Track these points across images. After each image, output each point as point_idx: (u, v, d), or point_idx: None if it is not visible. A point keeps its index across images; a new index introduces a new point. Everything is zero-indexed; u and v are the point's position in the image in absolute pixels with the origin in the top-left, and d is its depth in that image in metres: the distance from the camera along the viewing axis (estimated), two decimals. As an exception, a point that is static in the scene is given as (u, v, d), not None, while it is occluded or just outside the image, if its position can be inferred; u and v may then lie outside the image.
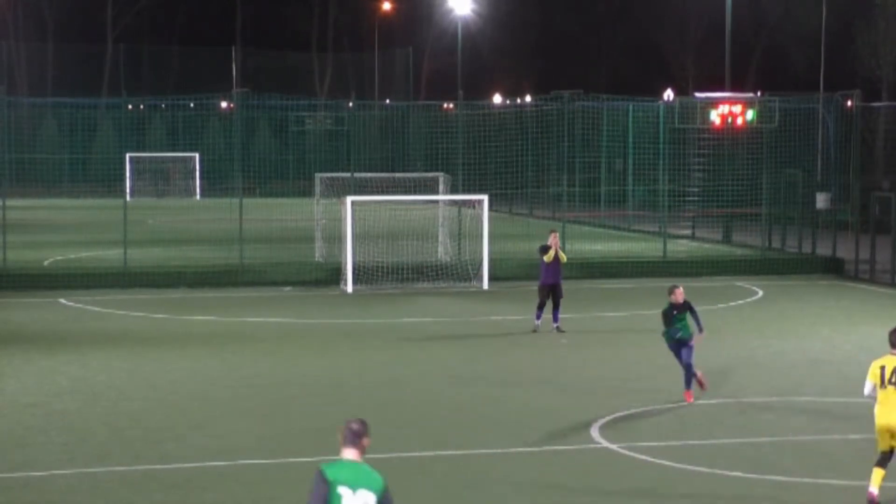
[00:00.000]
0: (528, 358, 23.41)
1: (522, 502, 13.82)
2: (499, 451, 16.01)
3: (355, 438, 8.71)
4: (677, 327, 17.08)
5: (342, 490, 8.29)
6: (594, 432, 16.92)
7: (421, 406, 18.74)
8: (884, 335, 25.03)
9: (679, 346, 17.11)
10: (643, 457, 14.89)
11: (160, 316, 27.19)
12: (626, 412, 17.98)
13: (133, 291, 30.09)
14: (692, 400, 17.02)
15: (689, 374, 17.08)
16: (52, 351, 22.18)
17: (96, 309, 27.38)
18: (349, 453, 8.58)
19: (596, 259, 36.48)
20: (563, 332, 25.17)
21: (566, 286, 25.53)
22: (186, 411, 18.02)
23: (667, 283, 33.64)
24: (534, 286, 28.93)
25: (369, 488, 8.48)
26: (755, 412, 17.66)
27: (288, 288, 31.34)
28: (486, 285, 32.16)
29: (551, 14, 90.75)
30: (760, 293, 32.33)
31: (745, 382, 20.06)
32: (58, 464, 14.33)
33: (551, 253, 25.07)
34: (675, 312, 17.16)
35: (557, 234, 25.84)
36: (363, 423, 8.91)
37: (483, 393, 19.70)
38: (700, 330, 17.25)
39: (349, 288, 30.87)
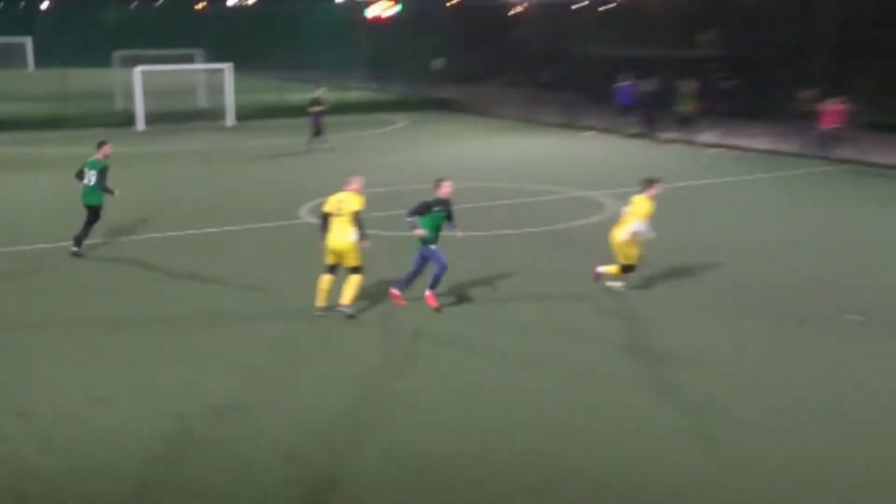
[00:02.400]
0: (266, 167, 27.99)
1: (247, 254, 17.51)
2: (237, 227, 19.69)
3: (99, 148, 16.16)
4: (432, 227, 13.40)
5: (85, 168, 16.06)
6: (303, 212, 20.73)
7: (185, 201, 22.25)
8: (474, 145, 31.36)
9: (427, 247, 13.50)
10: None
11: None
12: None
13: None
14: (437, 305, 13.58)
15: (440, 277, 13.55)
16: None
17: None
18: (99, 154, 15.95)
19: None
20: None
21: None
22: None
23: (345, 119, 37.99)
24: (268, 124, 35.57)
25: (93, 168, 16.04)
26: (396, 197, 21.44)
27: (100, 129, 34.54)
28: (231, 122, 38.37)
29: None
30: (403, 123, 39.40)
31: (385, 179, 23.68)
32: None
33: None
34: (436, 209, 13.37)
35: None
36: (104, 141, 16.19)
37: (231, 192, 23.51)
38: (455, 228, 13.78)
39: (140, 127, 36.36)
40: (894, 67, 33.32)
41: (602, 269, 14.64)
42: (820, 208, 22.40)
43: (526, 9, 53.49)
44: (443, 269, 13.47)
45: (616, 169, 27.07)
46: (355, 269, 13.17)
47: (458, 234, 13.76)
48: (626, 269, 14.58)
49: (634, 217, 14.15)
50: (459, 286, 14.77)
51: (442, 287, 14.13)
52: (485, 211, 20.80)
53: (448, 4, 51.68)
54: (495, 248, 17.57)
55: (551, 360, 12.01)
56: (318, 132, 30.02)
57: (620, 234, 14.28)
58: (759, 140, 31.93)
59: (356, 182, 13.24)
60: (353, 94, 47.04)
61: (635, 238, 14.26)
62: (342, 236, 12.97)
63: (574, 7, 44.44)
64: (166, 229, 19.37)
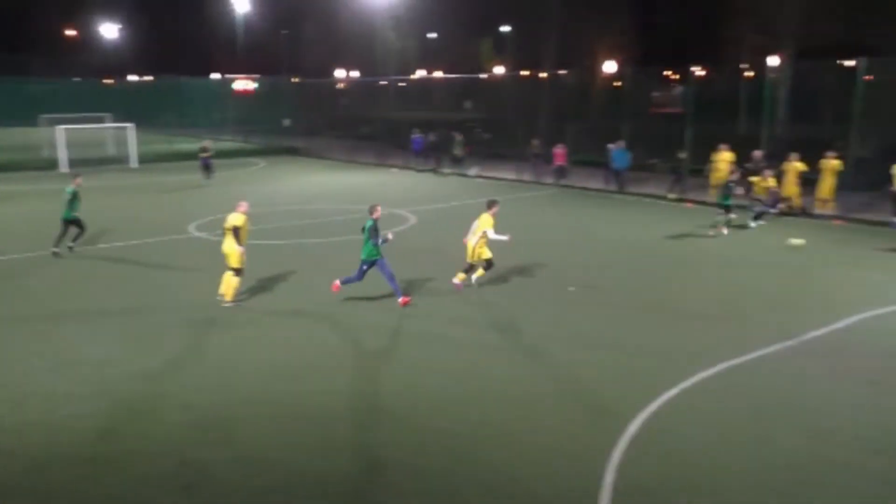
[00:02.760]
0: (162, 196, 26.16)
1: (153, 260, 16.13)
2: (144, 240, 18.10)
3: (73, 179, 15.09)
4: (378, 241, 12.01)
5: (64, 194, 15.16)
6: (191, 228, 19.66)
7: (102, 223, 19.79)
8: (315, 179, 29.18)
9: (379, 259, 12.17)
10: (216, 238, 15.72)
11: None
12: (214, 217, 20.30)
13: None
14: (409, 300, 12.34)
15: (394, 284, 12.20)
16: None
17: None
18: (73, 183, 14.85)
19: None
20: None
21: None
22: None
23: (221, 162, 35.28)
24: (162, 166, 33.05)
25: (68, 193, 15.18)
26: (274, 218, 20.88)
27: (31, 172, 33.11)
28: (134, 165, 35.85)
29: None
30: (264, 164, 37.64)
31: (254, 202, 20.17)
32: None
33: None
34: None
35: None
36: (78, 174, 14.49)
37: (136, 215, 21.79)
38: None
39: (64, 168, 33.25)
40: (589, 123, 35.21)
41: (457, 279, 13.24)
42: (553, 216, 22.63)
43: (347, 84, 54.60)
44: (359, 276, 12.30)
45: (414, 195, 26.48)
46: (236, 272, 12.48)
47: (390, 237, 12.58)
48: (487, 265, 13.28)
49: (481, 229, 12.96)
50: (337, 275, 13.04)
51: (316, 278, 13.62)
52: (329, 223, 20.20)
53: (292, 80, 51.31)
54: (350, 249, 15.61)
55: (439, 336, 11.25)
56: (208, 172, 28.90)
57: (472, 241, 13.12)
58: (506, 172, 32.46)
59: (243, 205, 12.61)
60: (226, 144, 44.93)
61: (485, 242, 13.10)
62: (228, 244, 12.46)
63: (381, 83, 44.73)
64: (92, 243, 17.83)
